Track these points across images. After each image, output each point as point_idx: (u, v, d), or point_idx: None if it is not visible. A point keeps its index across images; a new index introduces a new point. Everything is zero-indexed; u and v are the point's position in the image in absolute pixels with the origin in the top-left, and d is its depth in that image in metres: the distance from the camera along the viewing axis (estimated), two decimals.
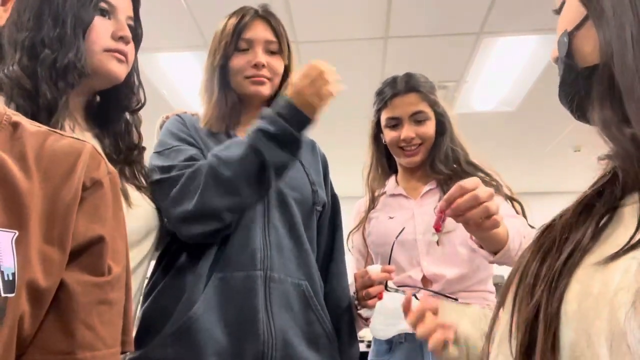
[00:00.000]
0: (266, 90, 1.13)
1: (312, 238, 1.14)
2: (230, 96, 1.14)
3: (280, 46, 1.15)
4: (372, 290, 1.11)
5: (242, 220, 1.02)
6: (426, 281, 1.27)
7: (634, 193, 0.42)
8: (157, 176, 1.00)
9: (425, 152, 1.36)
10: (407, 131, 1.33)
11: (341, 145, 4.83)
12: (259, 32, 1.13)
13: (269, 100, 1.16)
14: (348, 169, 4.98)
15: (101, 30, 0.86)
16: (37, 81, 0.77)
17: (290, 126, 0.97)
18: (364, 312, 1.15)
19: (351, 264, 1.45)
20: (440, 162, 1.34)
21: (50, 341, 0.49)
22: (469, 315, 0.83)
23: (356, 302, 1.17)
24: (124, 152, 0.93)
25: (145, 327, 0.98)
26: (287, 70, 1.18)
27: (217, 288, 0.97)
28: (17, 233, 0.47)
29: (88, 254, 0.53)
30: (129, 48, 0.91)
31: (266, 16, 1.15)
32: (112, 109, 0.95)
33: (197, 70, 3.38)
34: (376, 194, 1.44)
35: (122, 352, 0.57)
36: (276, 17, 1.16)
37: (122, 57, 0.89)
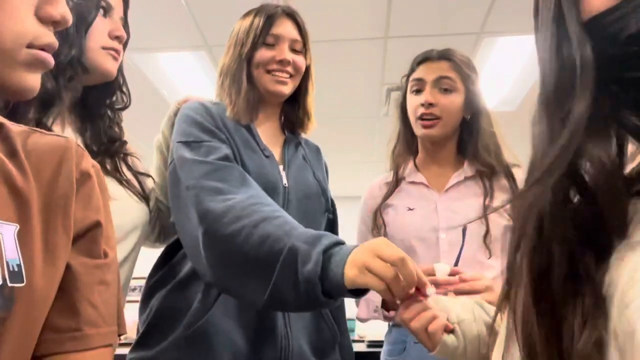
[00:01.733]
0: (287, 89, 1.13)
1: None
2: (255, 89, 1.13)
3: (304, 45, 1.16)
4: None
5: None
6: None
7: None
8: (190, 163, 0.93)
9: (443, 128, 1.24)
10: (427, 95, 1.22)
11: (341, 146, 4.83)
12: (287, 29, 1.14)
13: (288, 98, 1.17)
14: (348, 169, 4.98)
15: (100, 29, 0.88)
16: None
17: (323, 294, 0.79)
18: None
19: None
20: (483, 148, 1.22)
21: (60, 320, 0.52)
22: (460, 303, 0.82)
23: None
24: (105, 144, 0.94)
25: (154, 326, 0.97)
26: (307, 71, 1.18)
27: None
28: (19, 226, 0.49)
29: (86, 239, 0.56)
30: (121, 48, 0.94)
31: (292, 14, 1.16)
32: (97, 104, 0.97)
33: (197, 70, 3.39)
34: (400, 173, 1.33)
35: (118, 335, 0.59)
36: (300, 16, 1.18)
37: (117, 55, 0.92)
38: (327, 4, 2.62)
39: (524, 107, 3.76)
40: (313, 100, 1.21)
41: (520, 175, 1.27)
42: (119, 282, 0.61)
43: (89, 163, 0.60)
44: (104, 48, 0.89)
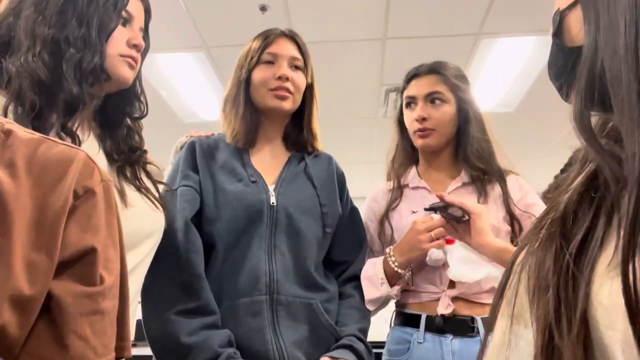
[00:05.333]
0: (288, 104, 1.16)
1: (322, 256, 1.17)
2: (253, 110, 1.17)
3: (304, 63, 1.18)
4: (445, 232, 1.17)
5: (246, 249, 1.06)
6: (450, 281, 1.23)
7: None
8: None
9: (439, 139, 1.30)
10: (420, 110, 1.29)
11: (340, 146, 4.83)
12: (285, 47, 1.17)
13: (290, 116, 1.21)
14: (348, 170, 4.97)
15: (119, 36, 0.89)
16: (59, 77, 0.78)
17: None
18: (435, 254, 1.18)
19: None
20: (473, 154, 1.28)
21: (42, 351, 0.49)
22: None
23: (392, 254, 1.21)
24: (125, 153, 0.95)
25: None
26: (309, 89, 1.21)
27: (225, 315, 1.02)
28: None
29: (80, 263, 0.53)
30: (139, 56, 0.95)
31: (292, 35, 1.19)
32: (115, 112, 0.97)
33: (196, 71, 3.39)
34: (402, 182, 1.38)
35: (120, 358, 0.57)
36: (300, 37, 1.20)
37: (134, 63, 0.93)
38: (325, 5, 2.62)
39: (522, 108, 3.77)
40: (317, 121, 1.24)
41: (514, 180, 1.31)
42: (125, 304, 0.59)
43: (97, 179, 0.56)
44: (121, 56, 0.90)
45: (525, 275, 0.43)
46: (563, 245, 0.40)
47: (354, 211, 1.27)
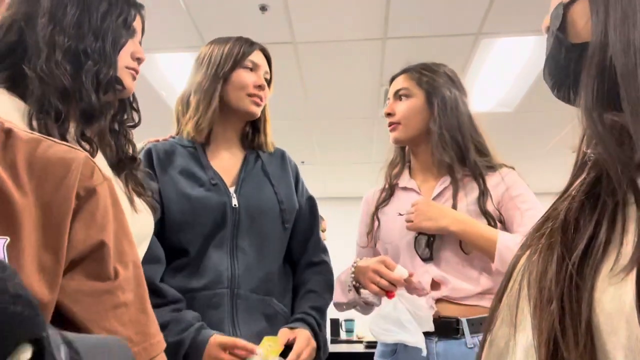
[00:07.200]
0: (258, 111, 1.24)
1: (282, 251, 1.24)
2: (224, 107, 1.22)
3: (270, 78, 1.28)
4: (388, 287, 1.16)
5: (211, 250, 1.11)
6: (434, 283, 1.24)
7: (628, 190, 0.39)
8: None
9: (406, 132, 1.32)
10: (386, 107, 1.36)
11: (339, 146, 4.82)
12: (262, 60, 1.26)
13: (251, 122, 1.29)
14: (347, 170, 4.99)
15: (126, 50, 0.94)
16: (78, 86, 0.81)
17: None
18: (369, 296, 1.19)
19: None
20: (437, 147, 1.27)
21: None
22: None
23: (353, 279, 1.23)
24: (124, 162, 0.98)
25: None
26: None
27: (188, 307, 1.07)
28: (9, 239, 0.47)
29: (90, 260, 0.54)
30: (139, 68, 1.00)
31: (267, 54, 1.28)
32: (113, 121, 1.00)
33: None
34: (393, 182, 1.39)
35: None
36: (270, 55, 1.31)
37: (136, 75, 0.98)
38: (325, 4, 2.62)
39: (522, 108, 3.77)
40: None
41: (497, 177, 1.29)
42: (146, 293, 0.59)
43: (99, 178, 0.57)
44: (127, 68, 0.95)
45: (525, 284, 0.42)
46: (565, 254, 0.39)
47: (310, 200, 1.32)
